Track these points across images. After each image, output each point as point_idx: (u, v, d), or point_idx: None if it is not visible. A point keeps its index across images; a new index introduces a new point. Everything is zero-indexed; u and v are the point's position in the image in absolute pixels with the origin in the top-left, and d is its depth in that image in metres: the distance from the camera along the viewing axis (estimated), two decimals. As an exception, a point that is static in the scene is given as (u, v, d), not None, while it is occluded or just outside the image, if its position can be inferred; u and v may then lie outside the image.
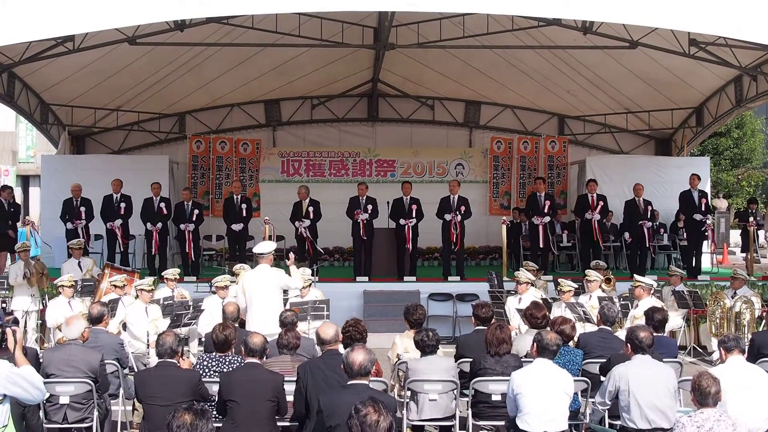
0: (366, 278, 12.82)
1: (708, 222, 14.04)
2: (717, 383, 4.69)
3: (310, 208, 13.42)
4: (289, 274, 8.43)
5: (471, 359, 6.49)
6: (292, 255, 9.04)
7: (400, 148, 17.80)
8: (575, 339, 7.01)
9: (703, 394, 4.69)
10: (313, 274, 10.78)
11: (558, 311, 8.72)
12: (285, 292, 8.77)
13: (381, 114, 18.03)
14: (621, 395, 5.50)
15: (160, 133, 17.68)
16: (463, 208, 13.12)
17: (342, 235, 14.44)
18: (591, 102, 17.17)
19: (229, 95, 17.13)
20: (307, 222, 13.34)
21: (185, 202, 13.73)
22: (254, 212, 14.90)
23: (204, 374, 5.99)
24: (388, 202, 13.38)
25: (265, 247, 8.38)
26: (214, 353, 6.20)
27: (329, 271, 14.73)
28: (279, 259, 10.38)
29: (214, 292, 9.58)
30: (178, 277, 10.29)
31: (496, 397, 6.06)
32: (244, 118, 17.89)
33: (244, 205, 13.81)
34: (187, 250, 13.38)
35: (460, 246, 13.26)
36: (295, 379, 5.66)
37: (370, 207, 13.10)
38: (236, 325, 7.10)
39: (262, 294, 8.07)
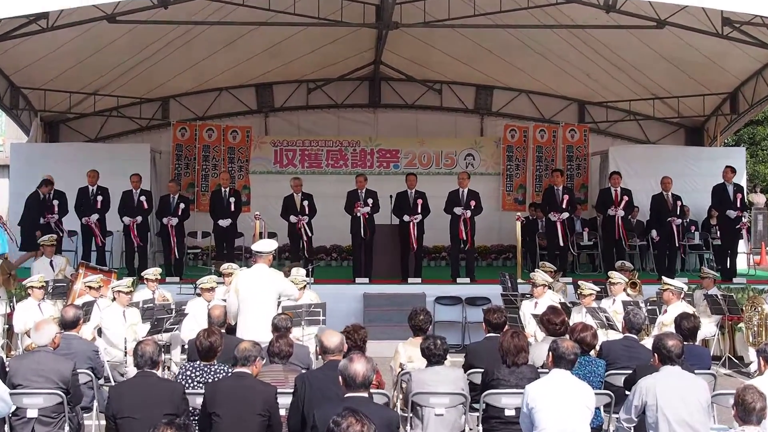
0: (366, 280, 12.84)
1: (744, 219, 13.99)
2: (763, 399, 4.66)
3: (305, 203, 13.38)
4: None
5: (482, 370, 6.44)
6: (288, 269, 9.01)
7: (405, 136, 17.80)
8: (597, 348, 6.97)
9: (747, 411, 4.65)
10: (307, 275, 10.73)
11: (578, 317, 8.71)
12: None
13: (383, 99, 18.05)
14: (648, 410, 5.45)
15: (141, 119, 17.66)
16: (473, 203, 13.08)
17: (340, 232, 14.46)
18: (614, 87, 17.12)
19: (218, 78, 17.10)
20: (307, 218, 13.31)
21: (171, 195, 13.70)
22: (243, 207, 14.85)
23: (187, 385, 5.94)
24: (390, 196, 13.36)
25: (265, 245, 8.31)
26: (198, 362, 6.16)
27: (326, 272, 14.69)
28: (273, 258, 10.33)
29: (198, 295, 9.57)
30: (159, 277, 10.26)
31: (509, 412, 6.01)
32: (234, 104, 17.89)
33: (232, 199, 13.77)
34: (171, 246, 13.34)
35: (471, 245, 13.21)
36: (286, 391, 5.61)
37: (370, 201, 13.06)
38: (223, 330, 7.06)
39: (257, 297, 7.93)
